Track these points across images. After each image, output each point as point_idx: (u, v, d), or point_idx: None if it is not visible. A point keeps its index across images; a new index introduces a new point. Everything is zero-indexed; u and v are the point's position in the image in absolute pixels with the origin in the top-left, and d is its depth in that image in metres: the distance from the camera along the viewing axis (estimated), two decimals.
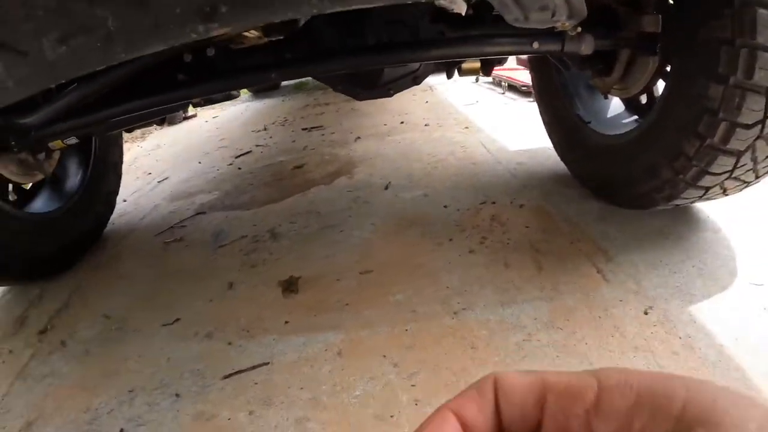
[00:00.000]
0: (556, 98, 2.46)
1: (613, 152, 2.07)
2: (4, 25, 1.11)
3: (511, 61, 4.89)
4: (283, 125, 5.11)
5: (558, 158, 2.62)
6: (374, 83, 2.11)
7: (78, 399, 1.63)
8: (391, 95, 2.16)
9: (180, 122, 6.32)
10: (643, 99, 2.09)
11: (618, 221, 2.08)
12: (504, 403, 0.32)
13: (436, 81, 5.88)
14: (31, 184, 2.57)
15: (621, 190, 2.08)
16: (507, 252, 1.97)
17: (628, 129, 2.03)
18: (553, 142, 2.65)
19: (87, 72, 1.10)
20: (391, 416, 1.32)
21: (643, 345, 1.41)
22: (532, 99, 4.25)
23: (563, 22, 1.24)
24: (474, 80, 5.77)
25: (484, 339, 1.53)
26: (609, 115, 2.32)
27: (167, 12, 0.99)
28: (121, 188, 3.16)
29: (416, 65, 2.08)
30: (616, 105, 2.32)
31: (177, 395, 1.55)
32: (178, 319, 1.95)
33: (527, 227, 2.13)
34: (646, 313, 1.54)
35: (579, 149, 2.36)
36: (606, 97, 2.29)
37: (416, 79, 2.12)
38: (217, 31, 1.00)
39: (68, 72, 1.09)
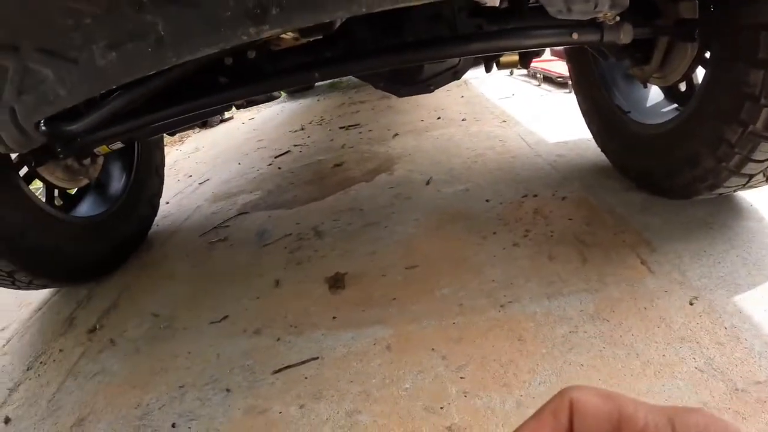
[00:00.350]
0: (595, 89, 2.44)
1: (653, 142, 2.05)
2: (54, 34, 1.13)
3: (546, 52, 4.83)
4: (320, 124, 5.15)
5: (598, 149, 2.59)
6: (415, 79, 2.11)
7: (128, 395, 1.67)
8: (431, 91, 2.16)
9: (217, 125, 6.41)
10: (683, 87, 2.06)
11: (661, 211, 2.05)
12: (579, 430, 0.32)
13: (471, 75, 5.82)
14: (76, 189, 2.63)
15: (663, 180, 2.05)
16: (551, 245, 1.96)
17: (668, 118, 2.01)
18: (592, 133, 2.62)
19: (137, 77, 1.12)
20: (441, 408, 1.33)
21: (688, 336, 1.40)
22: (568, 90, 4.27)
23: (605, 13, 1.23)
24: (508, 73, 5.70)
25: (531, 331, 1.53)
26: (648, 105, 2.29)
27: (218, 15, 1.01)
28: (163, 191, 3.21)
29: (456, 60, 2.08)
30: (655, 94, 2.29)
31: (228, 390, 1.58)
32: (225, 317, 1.97)
33: (570, 219, 2.12)
34: (691, 304, 1.52)
35: (619, 139, 2.34)
36: (645, 86, 2.27)
37: (456, 74, 2.12)
38: (268, 32, 1.02)
39: (118, 78, 1.11)
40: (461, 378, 1.41)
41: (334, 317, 1.81)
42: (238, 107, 2.65)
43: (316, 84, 7.75)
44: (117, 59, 1.09)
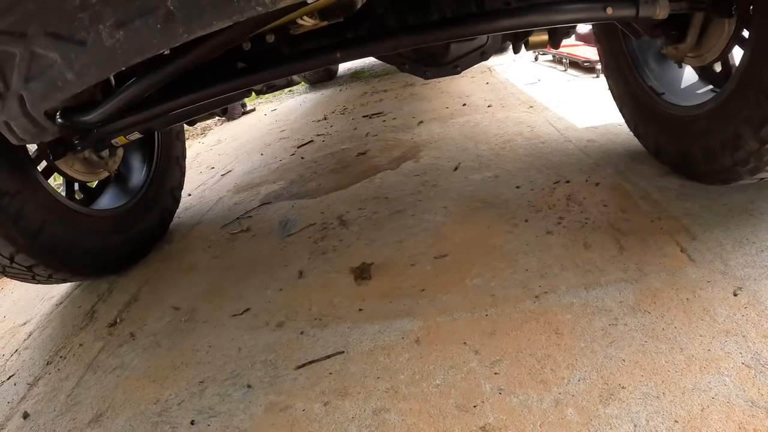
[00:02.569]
0: (626, 70, 2.34)
1: (690, 124, 1.96)
2: (59, 16, 1.10)
3: (571, 37, 4.73)
4: (343, 114, 5.09)
5: (630, 134, 2.49)
6: (441, 60, 2.03)
7: (147, 390, 1.64)
8: (458, 72, 2.07)
9: (239, 117, 6.44)
10: (718, 68, 1.97)
11: (700, 197, 1.95)
12: None
13: (495, 62, 5.80)
14: (97, 182, 2.62)
15: (701, 165, 1.95)
16: (586, 232, 1.87)
17: (704, 99, 1.91)
18: (624, 117, 2.52)
19: (149, 56, 1.07)
20: (474, 406, 1.26)
21: (734, 329, 1.31)
22: (595, 75, 4.19)
23: None
24: (533, 59, 5.62)
25: (569, 324, 1.45)
26: (683, 86, 2.18)
27: None
28: (185, 183, 3.19)
29: (483, 40, 1.99)
30: (689, 75, 2.19)
31: (249, 386, 1.53)
32: (248, 309, 1.93)
33: (605, 206, 2.02)
34: (735, 295, 1.42)
35: (653, 123, 2.23)
36: (680, 66, 2.17)
37: (484, 54, 2.03)
38: (283, 2, 0.95)
39: (128, 58, 1.07)
40: (495, 374, 1.34)
41: (360, 309, 1.75)
42: (258, 92, 2.59)
43: (338, 73, 7.78)
44: (125, 38, 1.05)
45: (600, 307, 1.48)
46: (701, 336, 1.31)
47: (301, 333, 1.71)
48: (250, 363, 1.63)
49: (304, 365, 1.55)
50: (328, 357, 1.55)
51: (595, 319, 1.44)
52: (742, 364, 1.20)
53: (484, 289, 1.69)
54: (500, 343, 1.43)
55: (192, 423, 1.45)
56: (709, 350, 1.26)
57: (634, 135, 2.46)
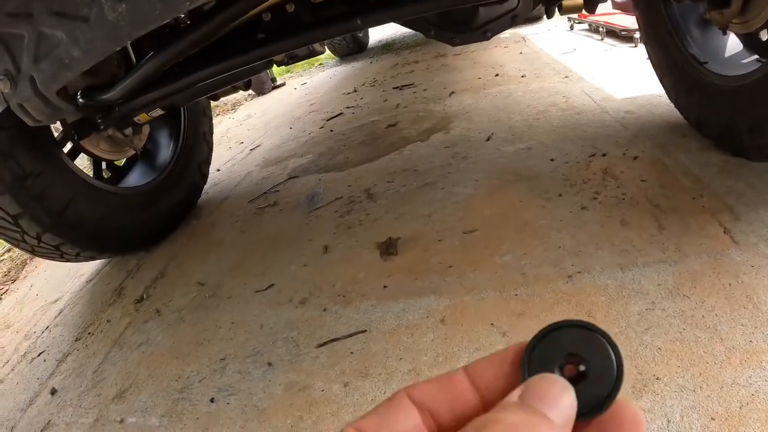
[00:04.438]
0: (667, 37, 2.22)
1: (735, 96, 1.84)
2: None
3: (607, 5, 4.59)
4: (373, 86, 5.02)
5: (671, 105, 2.37)
6: (469, 25, 1.93)
7: (170, 367, 1.65)
8: (488, 38, 1.97)
9: (269, 91, 6.45)
10: (765, 36, 1.86)
11: (744, 174, 1.83)
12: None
13: (529, 31, 5.68)
14: (124, 160, 2.63)
15: (745, 139, 1.84)
16: (623, 209, 1.79)
17: (750, 69, 1.80)
18: (664, 87, 2.40)
19: (153, 27, 1.04)
20: None
21: None
22: (633, 45, 4.05)
23: None
24: (569, 28, 5.46)
25: (603, 307, 1.38)
26: (726, 55, 2.07)
27: None
28: (214, 158, 3.19)
29: (514, 2, 1.89)
30: (733, 43, 2.07)
31: (269, 364, 1.52)
32: (271, 285, 1.92)
33: (643, 181, 1.93)
34: None
35: (695, 94, 2.12)
36: (724, 34, 2.04)
37: (515, 18, 1.92)
38: None
39: (132, 31, 1.05)
40: None
41: (384, 286, 1.71)
42: (279, 63, 2.54)
43: (369, 46, 7.71)
44: (127, 11, 1.03)
45: (636, 290, 1.41)
46: (743, 326, 1.23)
47: (324, 310, 1.69)
48: (272, 340, 1.62)
49: (325, 343, 1.52)
50: (350, 335, 1.52)
51: (631, 303, 1.37)
52: None
53: (514, 266, 1.63)
54: (530, 325, 1.37)
55: (212, 401, 1.45)
56: (750, 342, 1.18)
57: (675, 106, 2.34)
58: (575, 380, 0.35)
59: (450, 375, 0.37)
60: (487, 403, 0.35)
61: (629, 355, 1.21)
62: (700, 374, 1.13)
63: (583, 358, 0.36)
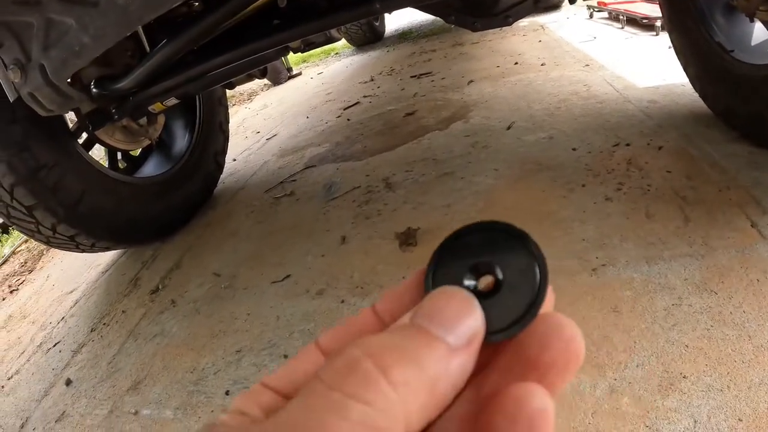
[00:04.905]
0: (691, 25, 2.15)
1: (762, 85, 1.78)
2: None
3: None
4: (390, 75, 4.97)
5: (695, 95, 2.30)
6: (490, 10, 1.88)
7: (185, 359, 1.64)
8: (510, 23, 1.92)
9: (285, 81, 6.46)
10: None
11: None
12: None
13: (548, 19, 5.59)
14: (139, 150, 2.62)
15: None
16: (648, 200, 1.74)
17: None
18: (689, 76, 2.33)
19: (163, 11, 1.01)
20: None
21: None
22: (654, 33, 3.96)
23: None
24: (588, 16, 5.37)
25: (629, 301, 1.33)
26: (753, 43, 2.00)
27: None
28: (230, 148, 3.18)
29: None
30: (760, 31, 2.00)
31: (285, 356, 1.51)
32: (288, 276, 1.90)
33: (668, 172, 1.87)
34: None
35: (721, 83, 2.05)
36: (751, 21, 1.98)
37: (537, 3, 1.87)
38: None
39: (142, 15, 1.02)
40: None
41: (403, 277, 1.68)
42: (295, 50, 2.51)
43: (385, 35, 7.66)
44: None
45: (663, 284, 1.36)
46: None
47: (342, 302, 1.66)
48: (288, 332, 1.60)
49: None
50: None
51: (657, 298, 1.32)
52: None
53: None
54: None
55: (227, 393, 1.44)
56: None
57: (700, 96, 2.27)
58: (488, 294, 0.30)
59: (358, 315, 0.33)
60: None
61: (656, 352, 1.17)
62: (728, 373, 1.08)
63: (497, 266, 0.31)
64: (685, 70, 2.34)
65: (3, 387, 1.83)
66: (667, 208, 1.67)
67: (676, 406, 1.04)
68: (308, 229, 2.21)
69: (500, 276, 0.30)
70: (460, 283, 0.30)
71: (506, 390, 0.25)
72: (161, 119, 2.59)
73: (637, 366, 1.15)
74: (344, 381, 0.23)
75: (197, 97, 2.76)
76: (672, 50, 2.42)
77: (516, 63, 4.03)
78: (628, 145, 2.14)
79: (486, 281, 0.31)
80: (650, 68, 3.08)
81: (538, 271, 0.30)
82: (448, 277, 0.31)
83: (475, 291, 0.31)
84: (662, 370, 1.12)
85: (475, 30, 1.95)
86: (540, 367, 0.27)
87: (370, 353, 0.24)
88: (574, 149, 2.22)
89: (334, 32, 2.35)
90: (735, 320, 1.21)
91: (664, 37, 2.50)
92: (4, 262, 3.09)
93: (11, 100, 1.33)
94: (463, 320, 0.27)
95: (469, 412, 0.27)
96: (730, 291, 1.29)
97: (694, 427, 0.99)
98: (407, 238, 1.87)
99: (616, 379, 1.13)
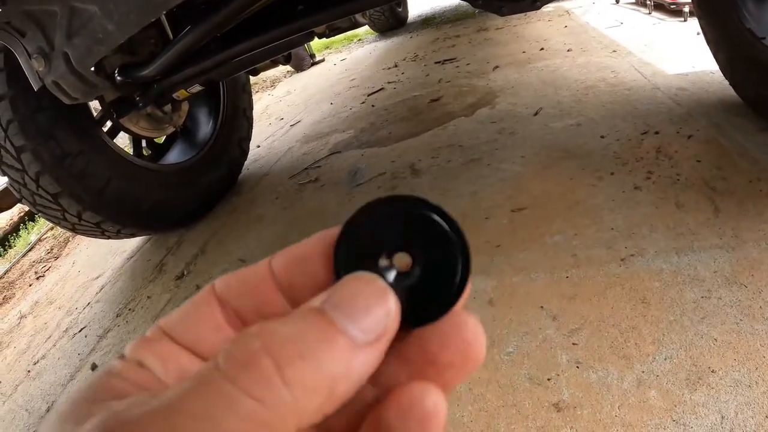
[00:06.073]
0: (721, 11, 2.08)
1: None
2: None
3: None
4: (414, 60, 4.94)
5: (725, 83, 2.24)
6: None
7: None
8: (538, 7, 1.88)
9: (308, 68, 6.46)
10: None
11: None
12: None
13: (573, 4, 5.51)
14: (164, 137, 2.64)
15: None
16: (677, 190, 1.70)
17: None
18: (719, 64, 2.26)
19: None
20: (548, 379, 1.16)
21: None
22: (682, 19, 3.86)
23: None
24: (614, 1, 5.27)
25: (657, 293, 1.31)
26: None
27: None
28: (254, 135, 3.18)
29: None
30: None
31: None
32: None
33: (698, 161, 1.83)
34: None
35: (752, 70, 1.98)
36: None
37: None
38: None
39: (167, 1, 1.00)
40: (573, 344, 1.23)
41: None
42: (320, 36, 2.50)
43: (408, 21, 7.61)
44: None
45: (692, 276, 1.33)
46: None
47: None
48: None
49: None
50: None
51: (687, 290, 1.29)
52: None
53: (564, 247, 1.56)
54: (581, 310, 1.31)
55: None
56: None
57: (730, 84, 2.20)
58: (403, 276, 0.28)
59: (255, 267, 0.31)
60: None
61: (684, 344, 1.15)
62: (756, 369, 1.06)
63: (415, 247, 0.28)
64: (714, 57, 2.28)
65: (29, 372, 1.86)
66: (696, 198, 1.64)
67: (704, 401, 1.02)
68: (333, 215, 2.20)
69: (419, 259, 0.28)
70: (375, 263, 0.28)
71: (401, 388, 0.26)
72: (185, 106, 2.60)
73: (665, 359, 1.13)
74: (239, 374, 0.22)
75: (221, 83, 2.76)
76: (701, 36, 2.36)
77: (542, 49, 3.97)
78: (657, 133, 2.09)
79: (403, 261, 0.29)
80: (679, 55, 3.01)
81: (460, 257, 0.28)
82: (360, 257, 0.29)
83: (390, 272, 0.28)
84: (690, 364, 1.10)
85: (501, 14, 1.91)
86: (438, 365, 0.27)
87: (269, 347, 0.23)
88: (602, 137, 2.18)
89: (359, 17, 2.33)
90: (765, 314, 1.18)
91: (693, 23, 2.44)
92: (30, 249, 3.13)
93: (36, 88, 1.34)
94: (375, 314, 0.25)
95: (363, 399, 0.27)
96: (760, 285, 1.26)
97: (722, 423, 0.97)
98: None
99: (643, 372, 1.11)
